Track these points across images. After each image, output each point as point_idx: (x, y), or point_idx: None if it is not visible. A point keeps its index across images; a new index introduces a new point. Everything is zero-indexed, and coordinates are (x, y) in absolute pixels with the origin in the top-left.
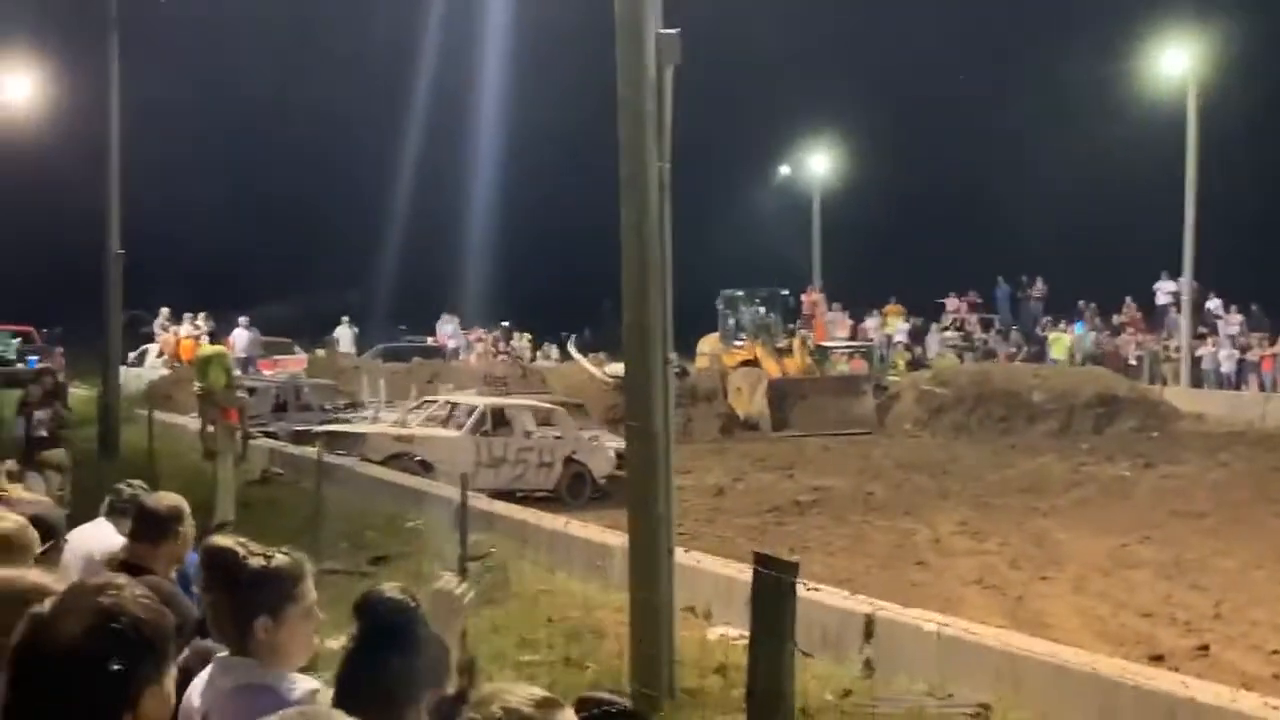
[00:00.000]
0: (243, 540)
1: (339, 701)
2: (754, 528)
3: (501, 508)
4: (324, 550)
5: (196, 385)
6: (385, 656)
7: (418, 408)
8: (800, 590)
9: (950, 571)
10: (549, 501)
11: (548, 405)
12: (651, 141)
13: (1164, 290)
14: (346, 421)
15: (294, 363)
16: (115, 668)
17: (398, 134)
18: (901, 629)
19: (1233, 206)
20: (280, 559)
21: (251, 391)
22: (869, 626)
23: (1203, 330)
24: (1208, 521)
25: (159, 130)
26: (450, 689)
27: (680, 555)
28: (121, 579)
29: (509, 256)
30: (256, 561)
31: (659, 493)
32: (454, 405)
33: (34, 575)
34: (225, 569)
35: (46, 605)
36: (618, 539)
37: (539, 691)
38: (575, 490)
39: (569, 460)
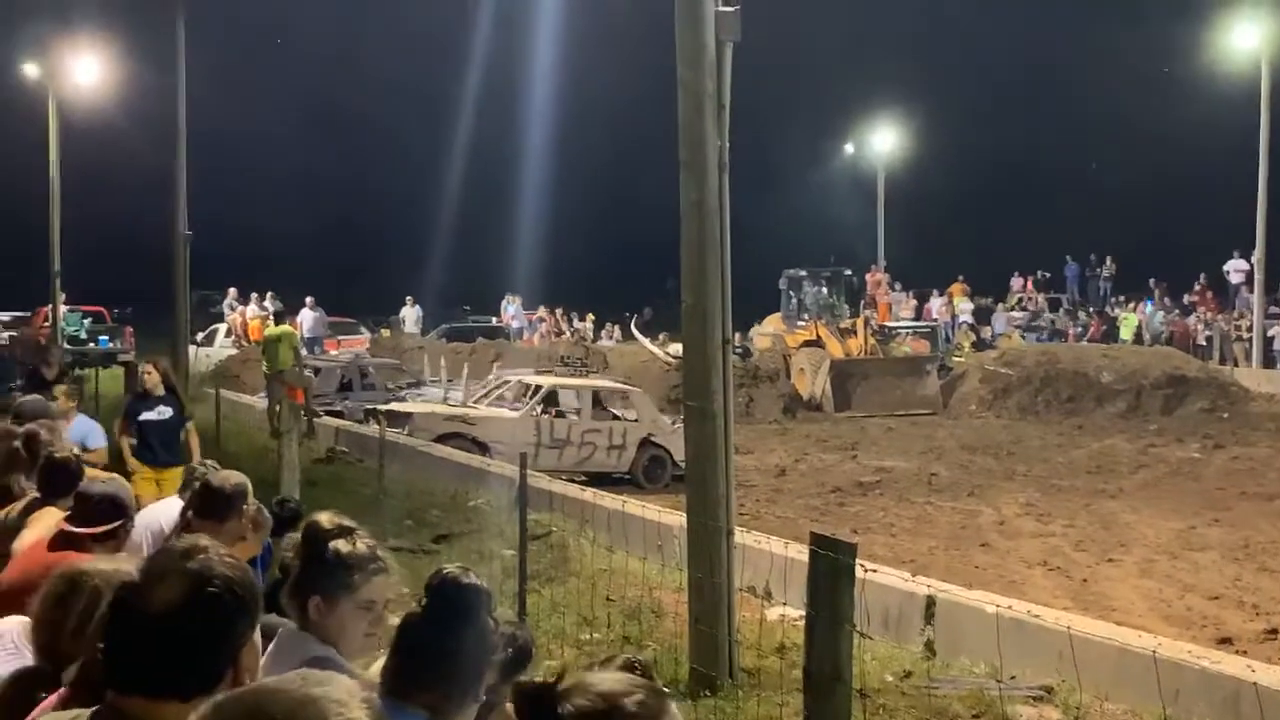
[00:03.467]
0: (348, 525)
1: (398, 673)
2: (816, 508)
3: (561, 487)
4: (388, 528)
5: (265, 365)
6: (454, 636)
7: (496, 388)
8: (859, 572)
9: (1015, 554)
10: (627, 485)
11: (622, 386)
12: (711, 121)
13: (1236, 269)
14: (411, 401)
15: (358, 343)
16: (218, 632)
17: (461, 116)
18: (963, 611)
19: None
20: (356, 549)
21: (317, 371)
22: (930, 608)
23: (1275, 310)
24: (1278, 504)
25: (227, 115)
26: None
27: (740, 535)
28: (203, 540)
29: (571, 237)
30: (335, 546)
31: (718, 473)
32: (517, 385)
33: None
34: (310, 544)
35: (135, 573)
36: (677, 519)
37: (638, 680)
38: (653, 474)
39: (645, 443)
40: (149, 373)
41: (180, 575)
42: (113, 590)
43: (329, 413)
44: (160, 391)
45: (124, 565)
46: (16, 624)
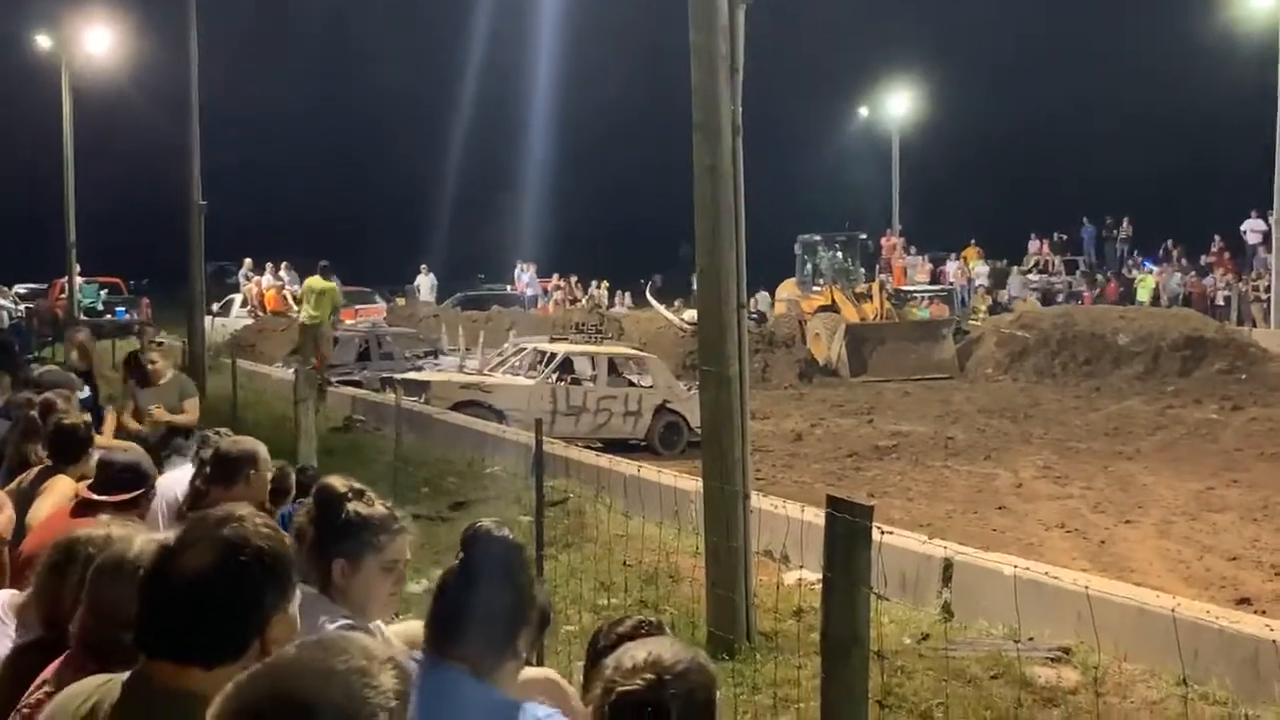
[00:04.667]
0: (359, 486)
1: (437, 628)
2: (832, 473)
3: (577, 454)
4: (405, 495)
5: (305, 314)
6: (488, 587)
7: (514, 355)
8: (876, 534)
9: (1032, 516)
10: (643, 451)
11: (638, 353)
12: (724, 85)
13: (1253, 229)
14: (429, 369)
15: (375, 312)
16: (245, 599)
17: (472, 83)
18: (981, 573)
19: None
20: (376, 510)
21: (335, 341)
22: (947, 571)
23: None
24: None
25: (240, 84)
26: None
27: (757, 499)
28: (243, 509)
29: (582, 203)
30: (353, 507)
31: (734, 438)
32: (532, 352)
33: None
34: (325, 508)
35: (171, 538)
36: (693, 484)
37: (679, 641)
38: (669, 440)
39: (662, 409)
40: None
41: (212, 542)
42: (107, 555)
43: (348, 382)
44: (83, 368)
45: (117, 530)
46: (3, 597)
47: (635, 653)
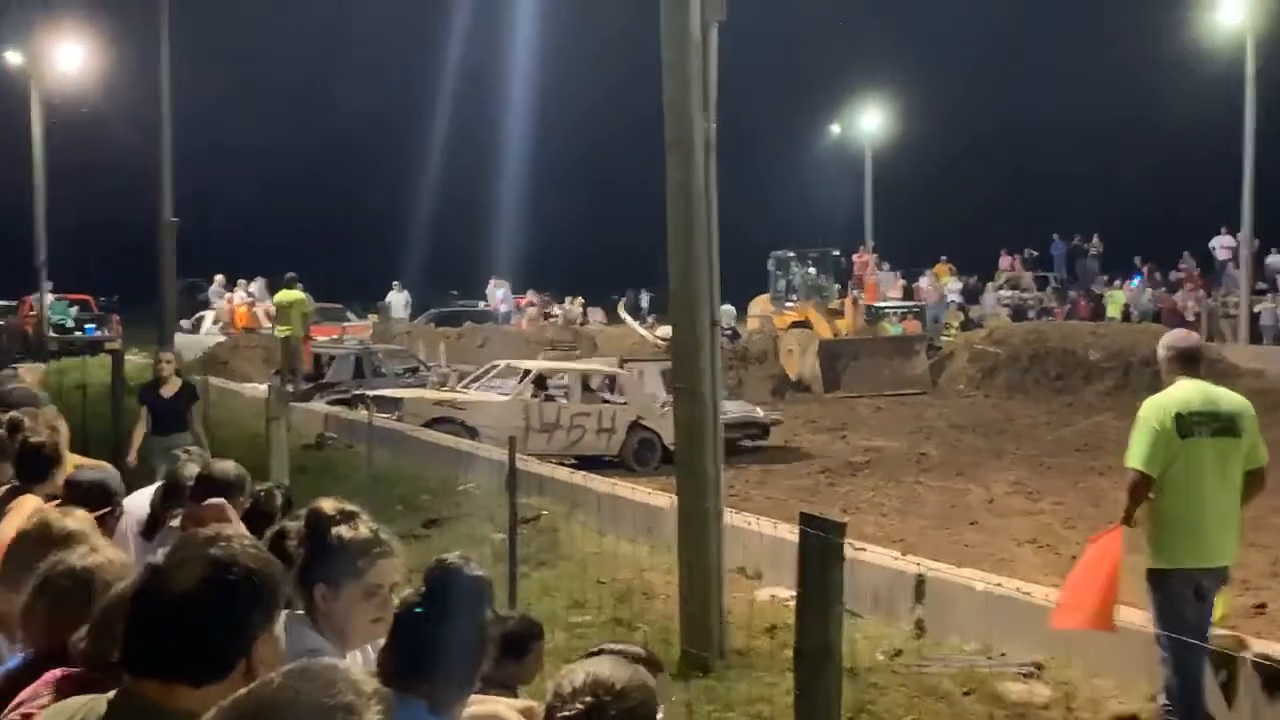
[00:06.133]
0: (349, 509)
1: (396, 664)
2: (806, 489)
3: (550, 470)
4: (378, 513)
5: (277, 330)
6: (454, 626)
7: (486, 374)
8: (849, 551)
9: (1004, 532)
10: (617, 468)
11: (611, 369)
12: (697, 102)
13: (1222, 245)
14: (419, 386)
15: (360, 329)
16: (232, 618)
17: (443, 98)
18: (953, 589)
19: None
20: (359, 534)
21: (317, 359)
22: (920, 587)
23: (1262, 286)
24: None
25: (210, 100)
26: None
27: (730, 516)
28: (229, 529)
29: (558, 220)
30: (337, 531)
31: (707, 454)
32: (505, 369)
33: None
34: (313, 529)
35: (161, 556)
36: (667, 501)
37: (626, 661)
38: (642, 457)
39: (635, 426)
40: None
41: (201, 561)
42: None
43: (342, 401)
44: None
45: (101, 553)
46: None
47: (574, 676)
